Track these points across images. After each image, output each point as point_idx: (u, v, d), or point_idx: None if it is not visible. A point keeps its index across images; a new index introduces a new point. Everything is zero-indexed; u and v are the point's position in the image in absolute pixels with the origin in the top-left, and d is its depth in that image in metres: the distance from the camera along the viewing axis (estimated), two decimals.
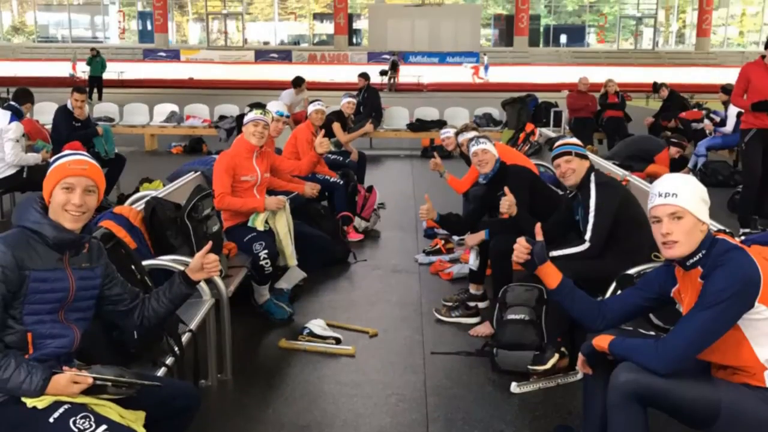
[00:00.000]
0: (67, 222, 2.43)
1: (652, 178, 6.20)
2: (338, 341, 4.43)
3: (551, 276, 2.87)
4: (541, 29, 42.89)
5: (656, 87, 13.59)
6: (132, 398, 2.39)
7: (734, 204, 7.87)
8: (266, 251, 4.63)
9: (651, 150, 9.42)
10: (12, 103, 7.39)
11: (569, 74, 26.06)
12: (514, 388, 3.79)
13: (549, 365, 3.79)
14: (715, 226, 3.22)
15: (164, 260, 3.80)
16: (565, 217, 4.32)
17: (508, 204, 4.43)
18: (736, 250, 2.44)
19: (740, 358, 2.45)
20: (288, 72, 20.48)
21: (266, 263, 4.63)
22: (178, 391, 2.63)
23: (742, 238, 2.94)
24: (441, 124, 12.37)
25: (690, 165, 10.12)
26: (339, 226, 6.56)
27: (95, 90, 22.65)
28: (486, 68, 34.01)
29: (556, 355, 3.82)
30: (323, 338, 4.44)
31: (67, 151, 2.59)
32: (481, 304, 4.95)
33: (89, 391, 2.31)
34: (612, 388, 2.50)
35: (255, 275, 4.70)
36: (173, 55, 38.09)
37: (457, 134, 6.43)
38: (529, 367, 3.84)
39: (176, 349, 3.16)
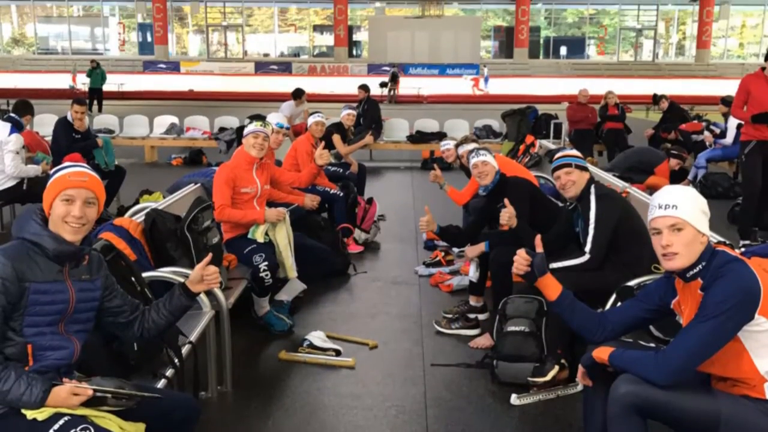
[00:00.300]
0: (67, 234, 2.43)
1: (652, 189, 6.22)
2: (338, 353, 4.42)
3: (551, 288, 2.87)
4: (541, 41, 43.00)
5: (656, 99, 13.61)
6: (132, 410, 2.40)
7: (734, 216, 7.87)
8: (266, 263, 4.63)
9: (651, 162, 9.42)
10: (12, 114, 7.42)
11: (569, 86, 26.13)
12: (514, 400, 3.79)
13: (549, 377, 3.79)
14: (715, 237, 3.22)
15: (164, 272, 3.81)
16: (565, 228, 4.33)
17: (508, 216, 4.43)
18: (736, 261, 2.45)
19: (740, 370, 2.45)
20: (288, 84, 20.58)
21: (266, 275, 4.63)
22: (177, 403, 2.64)
23: (742, 249, 2.95)
24: (441, 135, 12.40)
25: (690, 177, 10.13)
26: (339, 237, 6.56)
27: (95, 102, 22.70)
28: (486, 80, 34.05)
29: (556, 367, 3.81)
30: (323, 350, 4.44)
31: (67, 163, 2.60)
32: (481, 316, 4.94)
33: (89, 403, 2.31)
34: (612, 399, 2.49)
35: (255, 287, 4.70)
36: (173, 67, 38.16)
37: (457, 146, 6.45)
38: (529, 378, 3.83)
39: (176, 360, 3.16)
